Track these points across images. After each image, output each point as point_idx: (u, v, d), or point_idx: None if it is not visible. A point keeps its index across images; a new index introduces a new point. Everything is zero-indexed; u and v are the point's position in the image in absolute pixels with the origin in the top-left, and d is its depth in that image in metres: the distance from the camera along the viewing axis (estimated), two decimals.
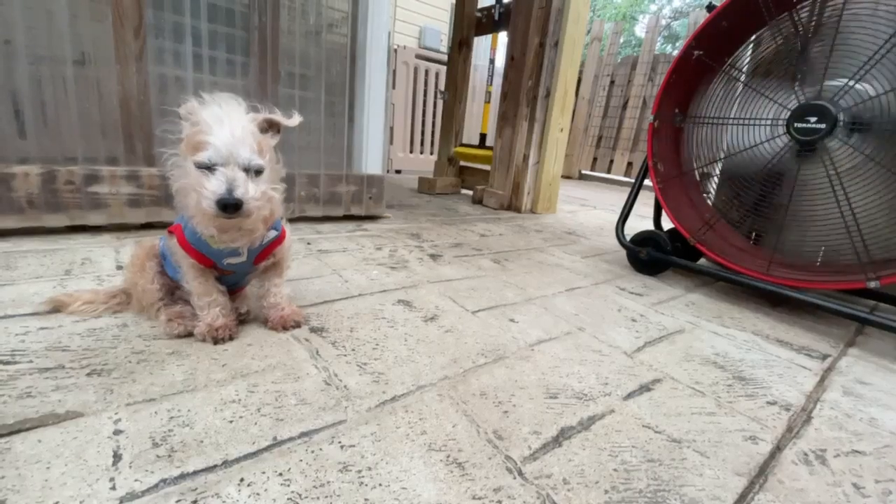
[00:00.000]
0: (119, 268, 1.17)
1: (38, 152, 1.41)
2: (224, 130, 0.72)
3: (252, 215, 0.75)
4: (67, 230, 1.42)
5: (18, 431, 0.57)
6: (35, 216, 1.34)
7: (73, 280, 1.07)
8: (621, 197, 4.36)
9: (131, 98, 1.53)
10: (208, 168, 0.72)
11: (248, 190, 0.73)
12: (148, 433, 0.59)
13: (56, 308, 0.89)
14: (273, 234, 0.90)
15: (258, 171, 0.76)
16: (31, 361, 0.72)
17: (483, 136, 3.33)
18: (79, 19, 1.44)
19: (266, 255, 0.91)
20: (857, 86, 1.19)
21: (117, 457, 0.55)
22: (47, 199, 1.35)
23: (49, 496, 0.48)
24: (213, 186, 0.70)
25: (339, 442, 0.62)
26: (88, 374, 0.70)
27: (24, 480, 0.50)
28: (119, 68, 1.50)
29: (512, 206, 2.84)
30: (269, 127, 0.84)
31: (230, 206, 0.71)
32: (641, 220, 2.64)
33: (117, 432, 0.59)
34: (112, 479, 0.51)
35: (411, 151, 4.62)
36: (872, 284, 1.11)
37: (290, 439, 0.61)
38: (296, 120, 0.86)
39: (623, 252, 1.87)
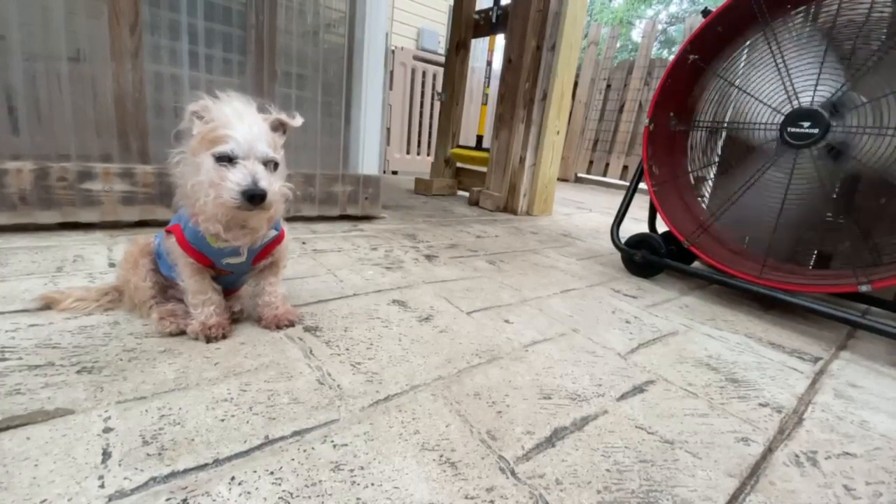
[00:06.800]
0: (112, 265, 1.16)
1: (31, 149, 1.40)
2: (244, 125, 0.74)
3: (271, 208, 0.77)
4: (60, 227, 1.40)
5: (7, 429, 0.57)
6: (27, 213, 1.33)
7: (64, 277, 1.06)
8: (617, 200, 4.38)
9: (126, 95, 1.52)
10: (229, 160, 0.72)
11: (271, 182, 0.74)
12: (138, 431, 0.59)
13: (47, 305, 0.88)
14: (273, 233, 0.90)
15: (275, 166, 0.78)
16: (20, 358, 0.71)
17: (480, 138, 3.33)
18: (74, 16, 1.43)
19: (265, 255, 0.90)
20: (850, 91, 1.20)
21: (107, 454, 0.54)
22: (40, 196, 1.34)
23: (37, 494, 0.48)
24: (238, 178, 0.71)
25: (332, 441, 0.61)
26: (78, 372, 0.70)
27: (12, 478, 0.49)
28: (114, 65, 1.49)
29: (508, 207, 2.84)
30: (278, 126, 0.85)
31: (256, 197, 0.71)
32: (636, 223, 2.65)
33: (107, 430, 0.58)
34: (101, 477, 0.51)
35: (408, 152, 4.62)
36: (864, 288, 1.12)
37: (282, 438, 0.61)
38: (298, 121, 0.87)
39: (618, 254, 1.88)
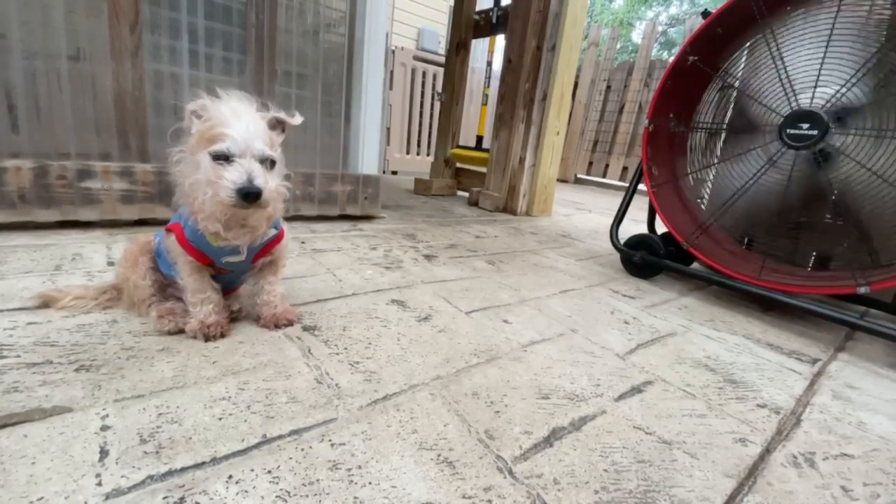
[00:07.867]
0: (110, 264, 1.16)
1: (30, 147, 1.40)
2: (240, 123, 0.74)
3: (268, 206, 0.77)
4: (58, 225, 1.40)
5: (4, 426, 0.56)
6: (26, 211, 1.33)
7: (63, 275, 1.06)
8: (616, 201, 4.38)
9: (126, 94, 1.52)
10: (225, 159, 0.73)
11: (267, 180, 0.74)
12: (136, 429, 0.59)
13: (45, 303, 0.88)
14: (272, 232, 0.90)
15: (272, 164, 0.78)
16: (18, 356, 0.71)
17: (480, 139, 3.34)
18: (74, 14, 1.43)
19: (265, 254, 0.90)
20: (849, 93, 1.20)
21: (104, 453, 0.54)
22: (39, 194, 1.33)
23: (34, 491, 0.48)
24: (234, 176, 0.71)
25: (330, 440, 0.61)
26: (76, 370, 0.70)
27: (9, 475, 0.49)
28: (114, 64, 1.49)
29: (507, 208, 2.84)
30: (277, 125, 0.85)
31: (251, 195, 0.72)
32: (636, 224, 2.65)
33: (104, 428, 0.58)
34: (98, 475, 0.51)
35: (408, 153, 4.62)
36: (863, 290, 1.12)
37: (280, 437, 0.61)
38: (298, 119, 0.87)
39: (617, 255, 1.88)
